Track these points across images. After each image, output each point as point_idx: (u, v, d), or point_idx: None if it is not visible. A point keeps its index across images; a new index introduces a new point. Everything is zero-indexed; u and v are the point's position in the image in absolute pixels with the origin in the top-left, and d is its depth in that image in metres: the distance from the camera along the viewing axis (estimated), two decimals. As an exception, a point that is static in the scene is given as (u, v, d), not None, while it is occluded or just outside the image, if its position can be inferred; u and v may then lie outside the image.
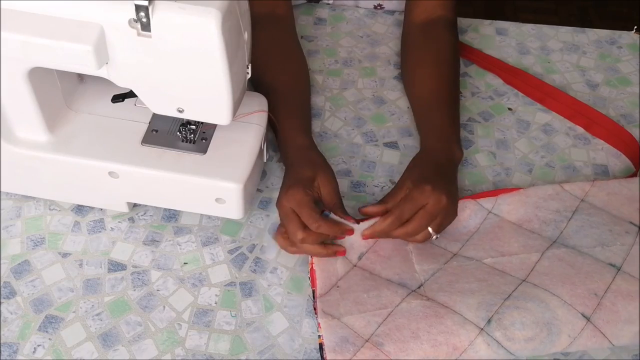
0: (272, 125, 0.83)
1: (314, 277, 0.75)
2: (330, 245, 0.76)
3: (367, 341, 0.69)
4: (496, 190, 0.83)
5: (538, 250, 0.77)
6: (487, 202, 0.81)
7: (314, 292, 0.74)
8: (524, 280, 0.73)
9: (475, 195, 0.82)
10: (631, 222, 0.79)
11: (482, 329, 0.69)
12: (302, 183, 0.75)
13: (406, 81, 0.96)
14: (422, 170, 0.78)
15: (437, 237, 0.76)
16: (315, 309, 0.73)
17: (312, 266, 0.76)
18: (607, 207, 0.81)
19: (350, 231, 0.76)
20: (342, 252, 0.76)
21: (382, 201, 0.78)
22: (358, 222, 0.76)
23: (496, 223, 0.80)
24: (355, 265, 0.77)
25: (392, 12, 1.07)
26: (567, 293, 0.71)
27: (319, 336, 0.70)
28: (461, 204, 0.80)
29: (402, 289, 0.73)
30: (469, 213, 0.80)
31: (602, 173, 0.88)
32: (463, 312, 0.70)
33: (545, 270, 0.74)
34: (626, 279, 0.73)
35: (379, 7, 1.07)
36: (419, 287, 0.74)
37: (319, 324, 0.71)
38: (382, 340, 0.69)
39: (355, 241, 0.77)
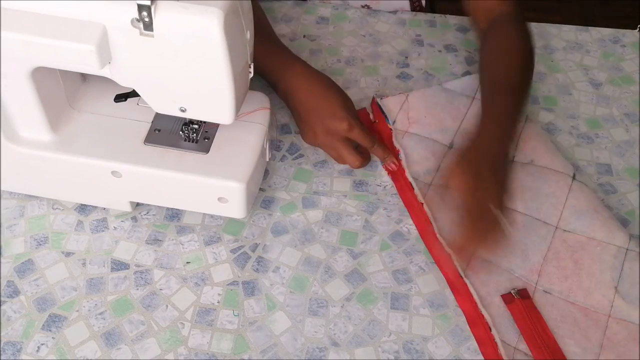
0: (267, 77, 0.86)
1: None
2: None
3: None
4: None
5: None
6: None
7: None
8: None
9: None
10: None
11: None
12: (338, 108, 0.75)
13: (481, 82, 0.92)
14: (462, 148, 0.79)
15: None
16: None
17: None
18: None
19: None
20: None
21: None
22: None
23: None
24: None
25: (394, 12, 1.07)
26: None
27: None
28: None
29: None
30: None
31: (606, 172, 0.88)
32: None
33: None
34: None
35: (366, 7, 1.07)
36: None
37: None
38: None
39: None
